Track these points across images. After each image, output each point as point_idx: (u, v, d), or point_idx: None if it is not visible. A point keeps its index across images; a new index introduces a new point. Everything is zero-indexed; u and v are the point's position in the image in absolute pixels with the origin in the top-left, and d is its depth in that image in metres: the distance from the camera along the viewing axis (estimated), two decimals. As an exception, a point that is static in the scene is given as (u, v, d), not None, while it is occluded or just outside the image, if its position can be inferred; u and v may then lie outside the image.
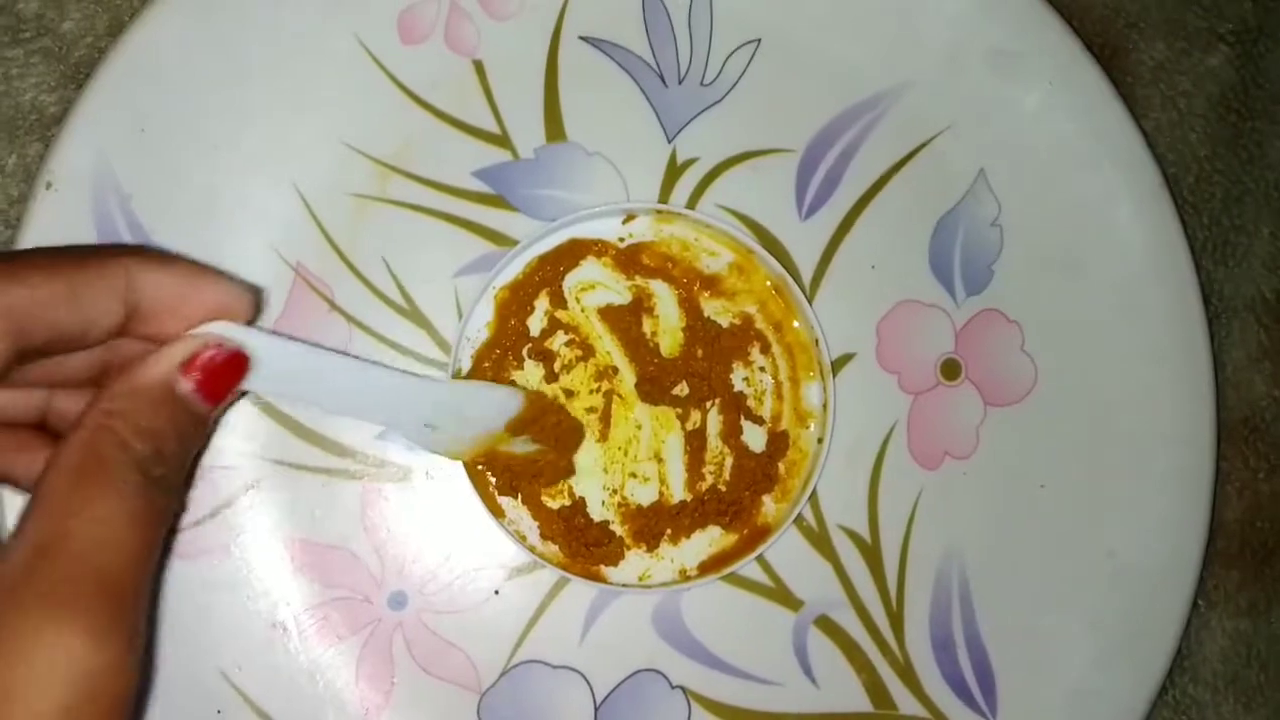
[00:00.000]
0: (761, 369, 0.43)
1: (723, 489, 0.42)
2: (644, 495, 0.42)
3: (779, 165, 0.44)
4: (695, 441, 0.42)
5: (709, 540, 0.42)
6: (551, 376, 0.42)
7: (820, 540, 0.43)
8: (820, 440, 0.42)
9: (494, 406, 0.40)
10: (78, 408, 0.29)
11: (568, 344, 0.42)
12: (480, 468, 0.41)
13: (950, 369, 0.44)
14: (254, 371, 0.31)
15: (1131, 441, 0.44)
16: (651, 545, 0.42)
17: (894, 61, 0.44)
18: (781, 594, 0.43)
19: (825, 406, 0.42)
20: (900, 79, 0.44)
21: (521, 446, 0.41)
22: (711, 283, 0.42)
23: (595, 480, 0.42)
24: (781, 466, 0.42)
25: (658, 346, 0.42)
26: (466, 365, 0.41)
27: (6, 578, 0.25)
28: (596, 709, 0.42)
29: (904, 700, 0.43)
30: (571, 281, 0.42)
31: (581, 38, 0.43)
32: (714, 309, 0.42)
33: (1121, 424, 0.44)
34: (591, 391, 0.42)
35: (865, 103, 0.44)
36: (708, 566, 0.42)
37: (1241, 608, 0.46)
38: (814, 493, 0.42)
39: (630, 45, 0.43)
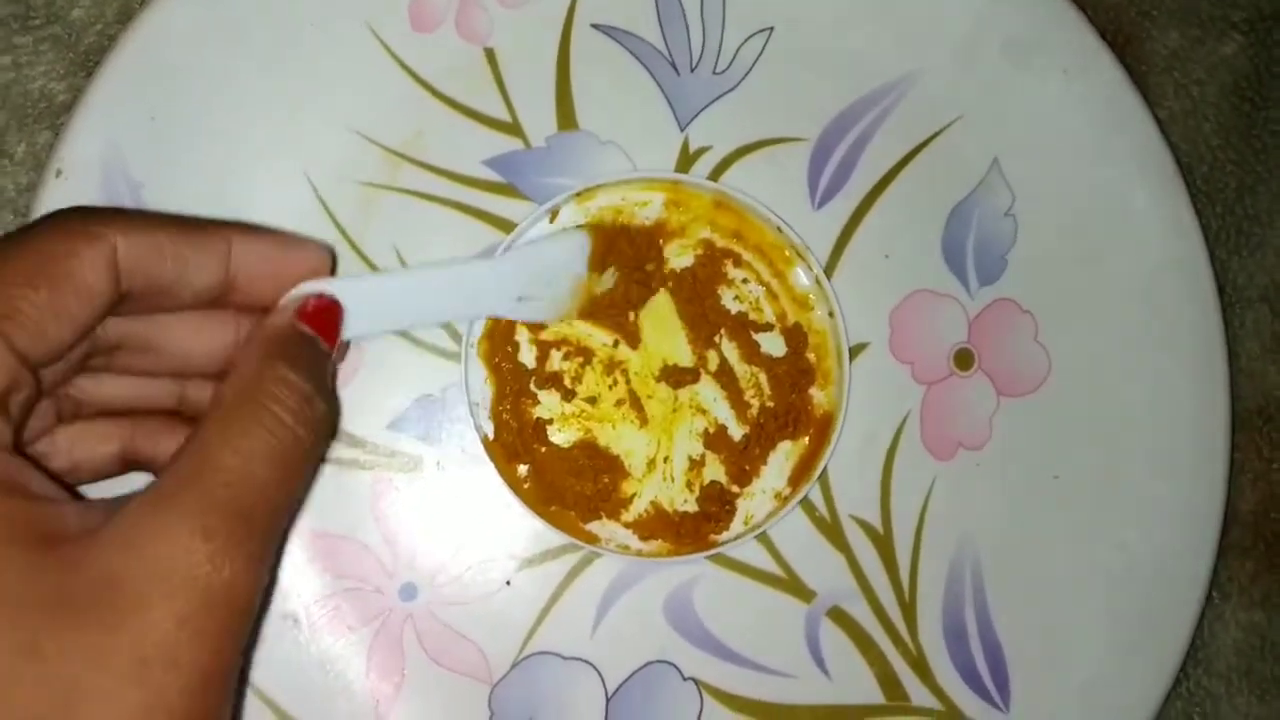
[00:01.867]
0: (744, 280, 0.43)
1: (771, 405, 0.43)
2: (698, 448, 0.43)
3: (792, 154, 0.44)
4: (724, 378, 0.43)
5: (784, 455, 0.43)
6: (568, 394, 0.42)
7: (832, 531, 0.43)
8: (831, 314, 0.42)
9: (567, 250, 0.41)
10: (206, 396, 0.35)
11: (565, 357, 0.42)
12: (554, 509, 0.42)
13: (963, 359, 0.44)
14: (346, 317, 0.35)
15: (1145, 432, 0.44)
16: (744, 482, 0.42)
17: (907, 50, 0.44)
18: (793, 585, 0.43)
19: (818, 281, 0.42)
20: (913, 68, 0.44)
21: (610, 280, 0.42)
22: (658, 231, 0.43)
23: (658, 465, 0.43)
24: (810, 355, 0.43)
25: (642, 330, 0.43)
26: (489, 429, 0.41)
27: (154, 495, 0.28)
28: (608, 700, 0.42)
29: (916, 691, 0.43)
30: None
31: (594, 25, 0.43)
32: (672, 250, 0.43)
33: (1135, 415, 0.44)
34: (611, 387, 0.42)
35: (878, 91, 0.44)
36: (797, 478, 0.42)
37: (1255, 599, 0.46)
38: (825, 476, 0.43)
39: (643, 33, 0.43)
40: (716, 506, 0.42)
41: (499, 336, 0.42)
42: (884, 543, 0.43)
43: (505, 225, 0.42)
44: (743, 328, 0.43)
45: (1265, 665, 0.46)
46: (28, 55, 0.43)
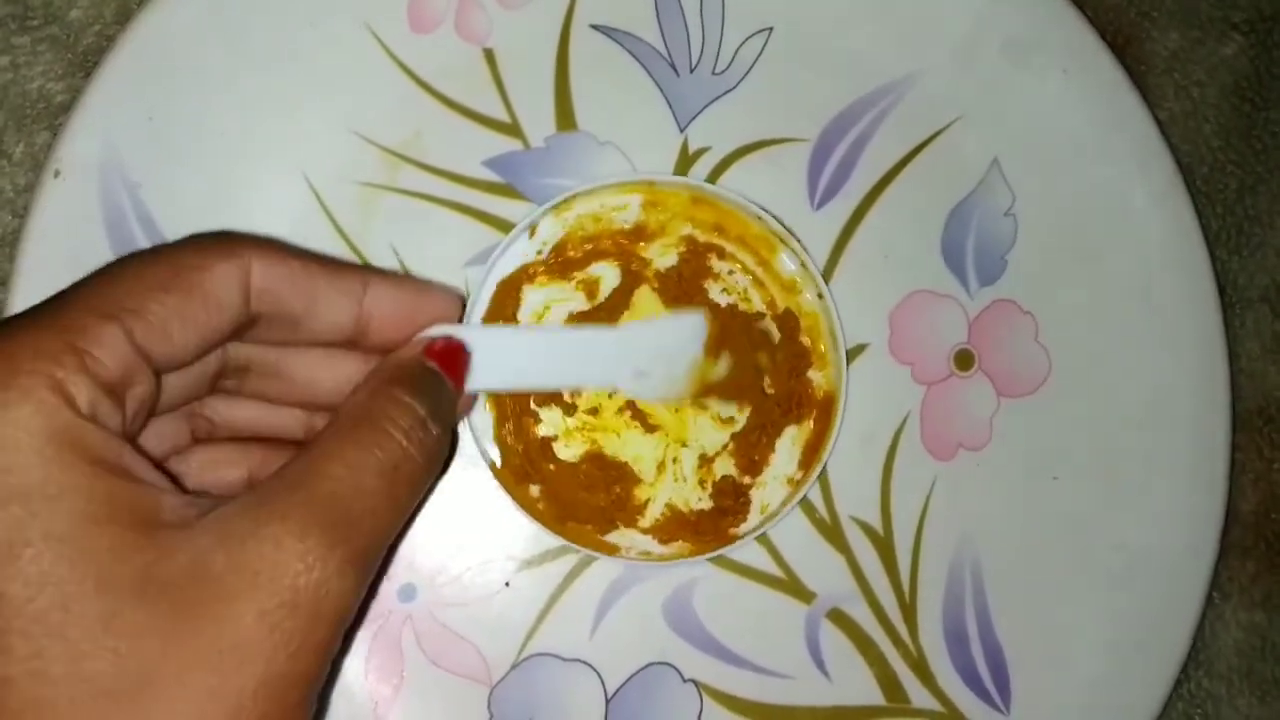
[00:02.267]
0: (730, 272, 0.43)
1: (771, 392, 0.43)
2: (713, 443, 0.43)
3: (791, 154, 0.44)
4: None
5: (790, 440, 0.43)
6: (569, 409, 0.42)
7: (832, 532, 0.43)
8: (820, 296, 0.43)
9: (687, 330, 0.42)
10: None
11: None
12: (571, 525, 0.42)
13: (963, 360, 0.44)
14: (472, 365, 0.37)
15: (1145, 433, 0.44)
16: (756, 472, 0.43)
17: (907, 50, 0.44)
18: (793, 586, 0.43)
19: (803, 265, 0.43)
20: (914, 68, 0.44)
21: (724, 368, 0.42)
22: (638, 233, 0.43)
23: (668, 466, 0.43)
24: (804, 339, 0.43)
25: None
26: (495, 455, 0.42)
27: (256, 495, 0.28)
28: (608, 702, 0.42)
29: (917, 693, 0.43)
30: (525, 318, 0.43)
31: (593, 26, 0.43)
32: (655, 251, 0.43)
33: (1135, 416, 0.44)
34: (611, 396, 0.43)
35: (878, 91, 0.44)
36: (807, 460, 0.43)
37: (1256, 600, 0.46)
38: (825, 477, 0.43)
39: (642, 34, 0.44)
40: (731, 500, 0.42)
41: None
42: (884, 544, 0.43)
43: (505, 226, 0.43)
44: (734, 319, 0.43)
45: (1266, 666, 0.46)
46: (26, 56, 0.44)
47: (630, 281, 0.43)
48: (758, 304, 0.43)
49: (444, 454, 0.33)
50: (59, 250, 0.41)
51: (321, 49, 0.42)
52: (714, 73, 0.44)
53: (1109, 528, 0.44)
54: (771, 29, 0.44)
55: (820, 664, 0.43)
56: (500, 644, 0.42)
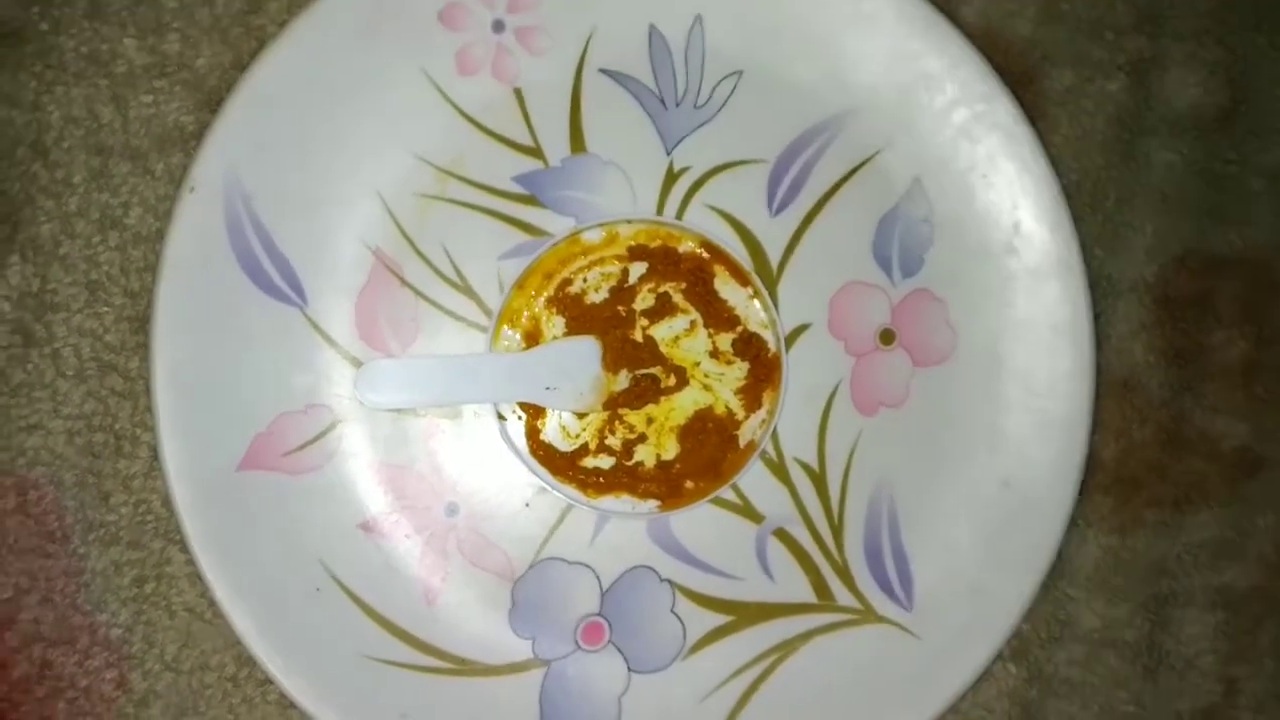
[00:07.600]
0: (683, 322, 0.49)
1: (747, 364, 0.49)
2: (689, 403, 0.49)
3: (754, 172, 0.48)
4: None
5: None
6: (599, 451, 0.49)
7: (779, 469, 0.49)
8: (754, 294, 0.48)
9: (581, 353, 0.48)
10: None
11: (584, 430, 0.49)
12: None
13: (887, 336, 0.49)
14: (399, 388, 0.44)
15: (1028, 396, 0.48)
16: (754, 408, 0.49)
17: (848, 90, 0.48)
18: (748, 510, 0.48)
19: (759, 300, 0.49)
20: (852, 104, 0.49)
21: (625, 381, 0.47)
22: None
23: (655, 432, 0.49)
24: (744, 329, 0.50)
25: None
26: (521, 413, 0.49)
27: None
28: (603, 594, 0.47)
29: (841, 594, 0.48)
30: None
31: (600, 70, 0.48)
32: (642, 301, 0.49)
33: (1021, 382, 0.48)
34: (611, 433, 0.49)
35: (824, 123, 0.49)
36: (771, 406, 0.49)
37: (1113, 528, 0.51)
38: (775, 434, 0.48)
39: (639, 76, 0.48)
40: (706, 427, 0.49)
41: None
42: (819, 479, 0.48)
43: (529, 228, 0.48)
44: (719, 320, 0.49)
45: (1117, 579, 0.51)
46: (164, 95, 0.48)
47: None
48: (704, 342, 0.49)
49: None
50: (192, 245, 0.45)
51: (389, 89, 0.47)
52: (695, 106, 0.48)
53: (997, 469, 0.48)
54: (742, 72, 0.48)
55: (766, 570, 0.48)
56: (521, 550, 0.47)
